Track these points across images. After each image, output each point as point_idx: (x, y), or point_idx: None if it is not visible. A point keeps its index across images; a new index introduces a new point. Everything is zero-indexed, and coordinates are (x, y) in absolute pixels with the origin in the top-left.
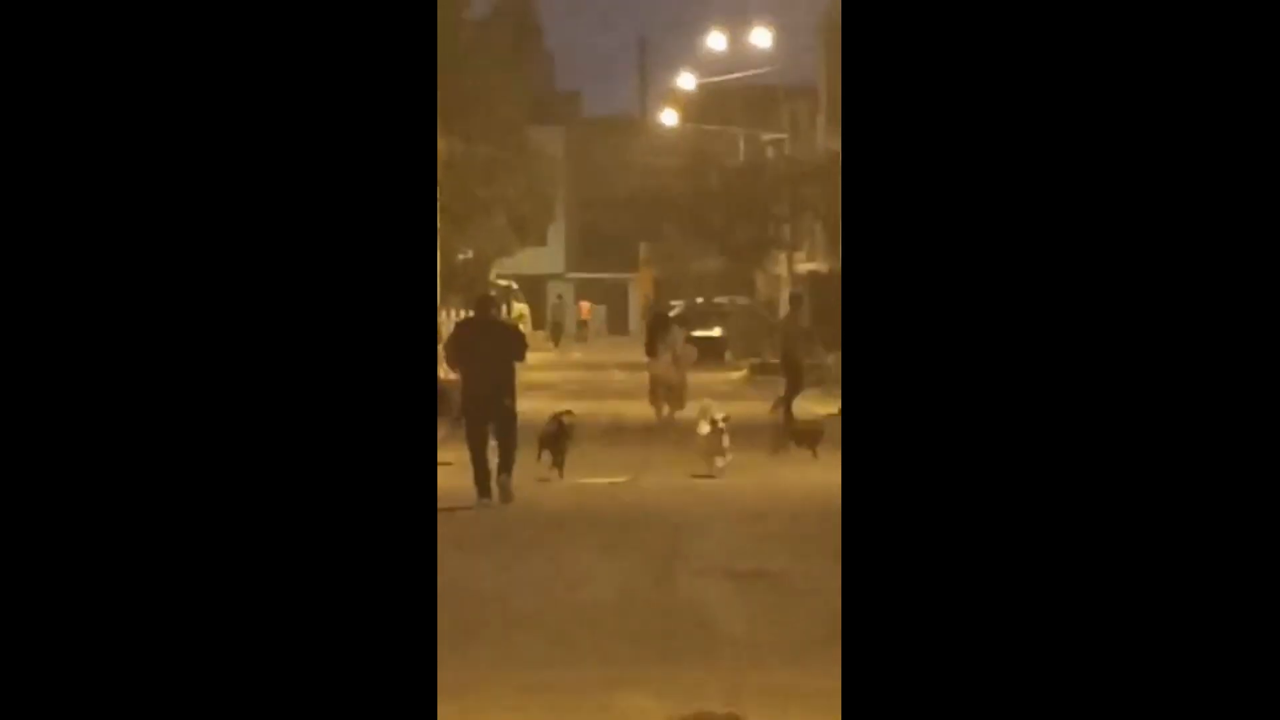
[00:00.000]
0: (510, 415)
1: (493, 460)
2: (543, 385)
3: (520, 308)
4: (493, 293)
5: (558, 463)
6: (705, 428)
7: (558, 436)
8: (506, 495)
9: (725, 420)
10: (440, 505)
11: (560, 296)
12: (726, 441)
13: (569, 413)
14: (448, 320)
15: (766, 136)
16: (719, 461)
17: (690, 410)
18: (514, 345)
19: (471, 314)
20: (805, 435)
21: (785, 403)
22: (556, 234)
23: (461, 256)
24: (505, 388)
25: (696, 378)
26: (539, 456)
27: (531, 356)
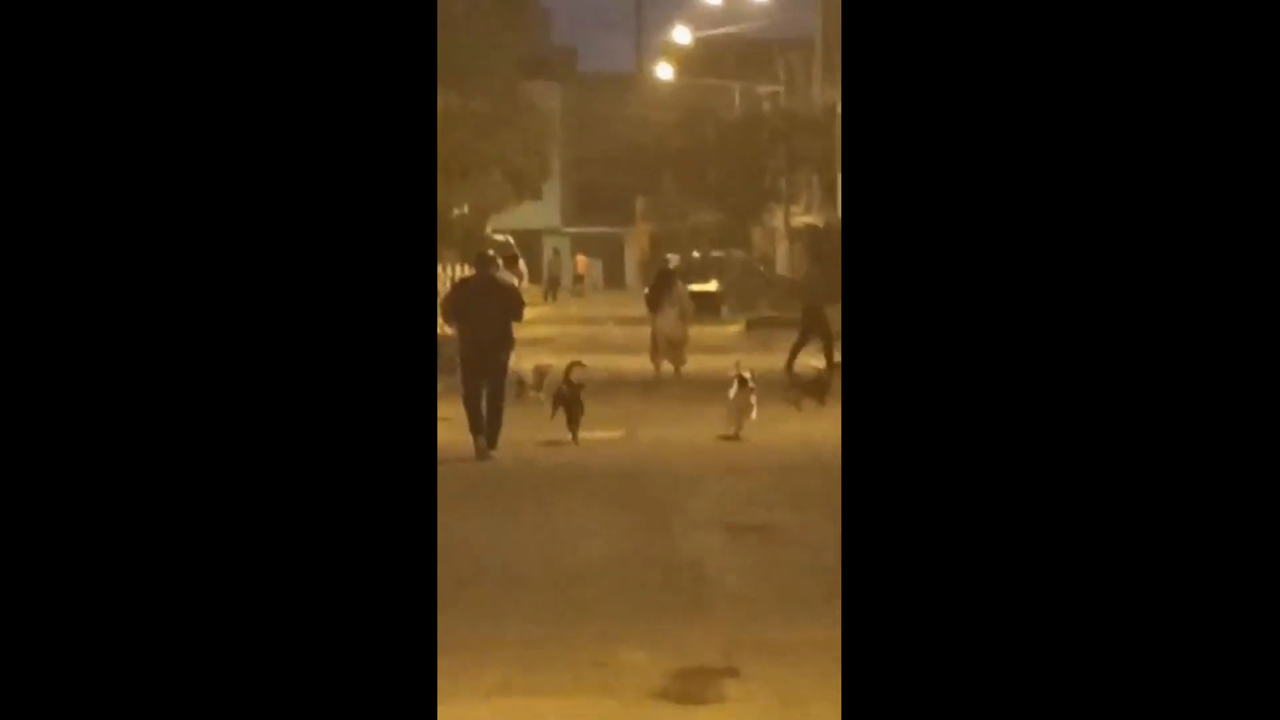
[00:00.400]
0: (503, 371)
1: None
2: (540, 340)
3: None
4: (491, 252)
5: (572, 425)
6: (735, 388)
7: (571, 397)
8: (491, 444)
9: (752, 380)
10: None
11: (556, 251)
12: (754, 399)
13: (579, 364)
14: (443, 275)
15: (762, 90)
16: (746, 419)
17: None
18: (511, 304)
19: (470, 272)
20: (814, 385)
21: (791, 354)
22: (552, 189)
23: (457, 211)
24: (501, 345)
25: (693, 332)
26: (552, 414)
27: (528, 311)
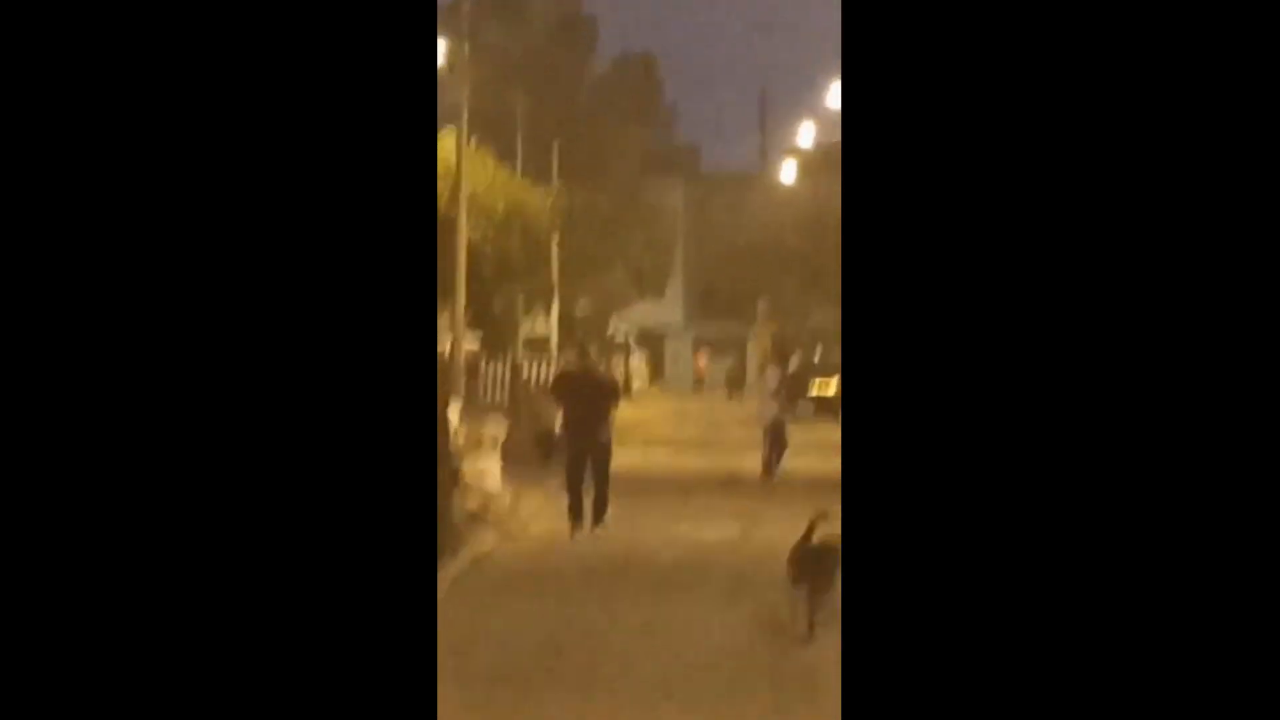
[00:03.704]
0: (606, 450)
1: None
2: (657, 439)
3: (637, 361)
4: (590, 347)
5: (815, 606)
6: None
7: (819, 561)
8: (601, 518)
9: None
10: (545, 546)
11: (729, 361)
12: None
13: (823, 516)
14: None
15: None
16: None
17: None
18: (609, 395)
19: (570, 367)
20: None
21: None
22: (674, 287)
23: (580, 310)
24: (600, 429)
25: (815, 433)
26: (795, 592)
27: (648, 410)
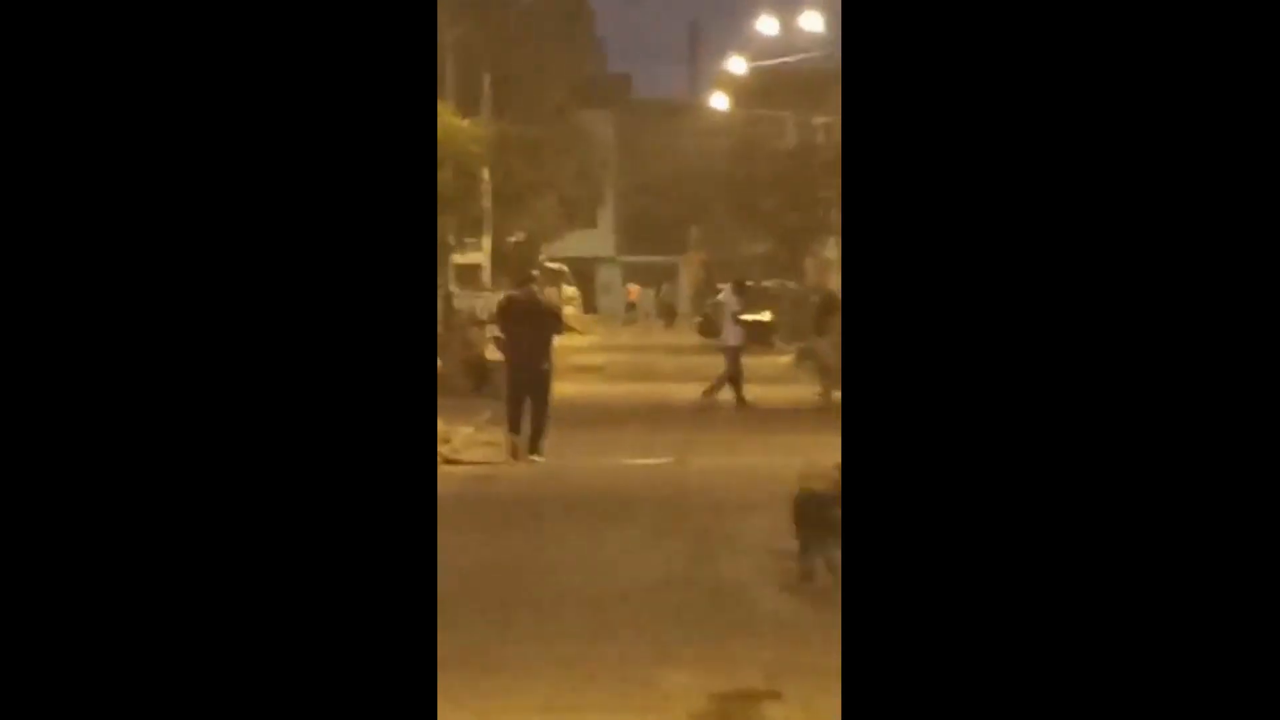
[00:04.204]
0: (546, 380)
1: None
2: (589, 367)
3: (570, 290)
4: (535, 273)
5: (805, 552)
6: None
7: (823, 512)
8: (537, 446)
9: None
10: (478, 475)
11: (662, 287)
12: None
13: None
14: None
15: (817, 120)
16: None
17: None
18: (551, 323)
19: (515, 293)
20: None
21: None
22: (606, 217)
23: (512, 239)
24: (543, 356)
25: (746, 362)
26: (797, 534)
27: (581, 340)
